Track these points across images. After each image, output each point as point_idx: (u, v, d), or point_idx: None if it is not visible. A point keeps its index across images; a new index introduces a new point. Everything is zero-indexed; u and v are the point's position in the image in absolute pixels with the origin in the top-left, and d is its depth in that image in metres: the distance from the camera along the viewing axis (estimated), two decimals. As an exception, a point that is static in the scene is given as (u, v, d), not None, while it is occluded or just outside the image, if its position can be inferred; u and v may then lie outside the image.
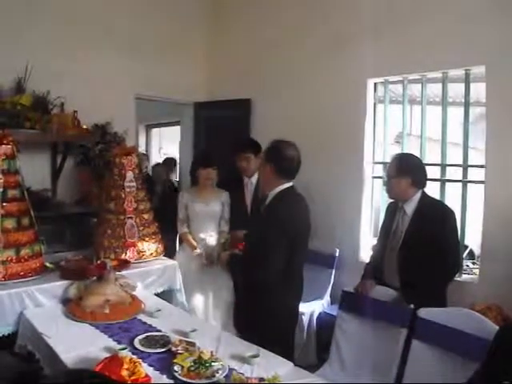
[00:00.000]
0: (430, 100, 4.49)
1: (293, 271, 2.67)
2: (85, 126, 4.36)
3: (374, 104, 4.15)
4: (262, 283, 2.59)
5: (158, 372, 2.04)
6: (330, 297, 4.09)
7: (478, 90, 3.79)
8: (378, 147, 4.21)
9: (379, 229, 3.30)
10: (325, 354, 3.08)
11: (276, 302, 2.61)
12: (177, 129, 6.60)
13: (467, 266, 4.07)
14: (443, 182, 3.72)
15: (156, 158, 8.36)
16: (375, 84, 4.12)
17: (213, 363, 2.04)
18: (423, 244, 2.77)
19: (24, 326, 2.70)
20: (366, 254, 4.00)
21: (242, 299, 2.89)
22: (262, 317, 2.57)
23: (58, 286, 2.96)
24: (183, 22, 5.37)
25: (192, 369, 2.00)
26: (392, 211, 3.05)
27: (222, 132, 5.23)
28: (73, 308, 2.71)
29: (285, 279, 2.60)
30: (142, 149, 7.85)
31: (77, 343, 2.30)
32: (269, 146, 2.70)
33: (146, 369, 1.99)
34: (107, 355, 2.05)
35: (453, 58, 3.48)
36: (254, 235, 2.72)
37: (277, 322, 2.62)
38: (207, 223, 3.85)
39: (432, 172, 3.73)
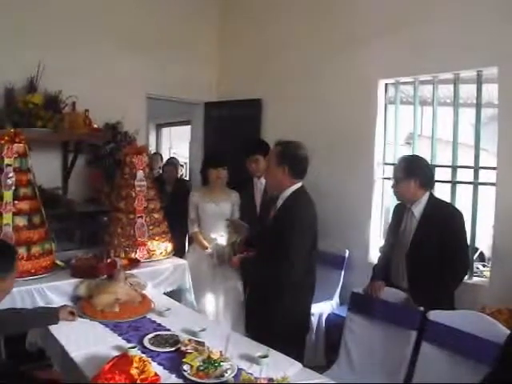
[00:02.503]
0: (442, 101, 4.45)
1: (310, 270, 2.71)
2: (96, 125, 4.39)
3: (385, 105, 4.13)
4: (284, 284, 2.59)
5: (167, 371, 2.04)
6: (339, 298, 4.08)
7: (490, 92, 3.76)
8: (389, 148, 4.19)
9: (386, 230, 3.30)
10: (333, 355, 3.06)
11: (294, 302, 2.64)
12: (187, 128, 6.62)
13: (478, 268, 4.04)
14: (454, 183, 3.70)
15: (166, 157, 8.38)
16: (386, 85, 4.11)
17: (222, 363, 2.03)
18: (432, 246, 2.77)
19: (34, 323, 2.72)
20: (375, 255, 3.97)
21: (256, 300, 2.86)
22: (279, 318, 2.58)
23: (69, 284, 2.99)
24: (194, 21, 5.38)
25: (201, 368, 1.99)
26: (399, 212, 3.04)
27: (232, 132, 5.23)
28: (83, 306, 2.73)
29: (303, 279, 2.63)
30: (152, 148, 7.87)
31: (87, 341, 2.32)
32: (281, 148, 2.70)
33: (155, 368, 1.99)
34: (117, 354, 2.06)
35: (465, 59, 3.46)
36: (269, 236, 2.69)
37: (293, 323, 2.65)
38: (217, 223, 3.85)
39: (443, 174, 3.72)
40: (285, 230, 2.56)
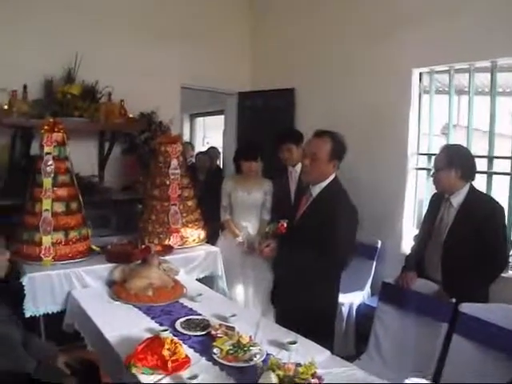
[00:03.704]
0: (479, 90, 4.34)
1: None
2: (131, 115, 4.49)
3: (420, 94, 4.06)
4: (323, 276, 2.58)
5: (197, 354, 2.09)
6: (371, 288, 4.06)
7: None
8: (424, 138, 4.12)
9: (422, 219, 3.24)
10: (363, 345, 3.05)
11: (325, 292, 2.65)
12: (220, 118, 6.67)
13: (514, 261, 3.94)
14: (490, 174, 3.62)
15: (200, 146, 8.48)
16: (420, 74, 4.03)
17: (251, 348, 2.07)
18: (469, 239, 2.69)
19: (71, 305, 2.83)
20: (408, 246, 3.92)
21: (288, 290, 2.73)
22: (310, 307, 2.52)
23: (104, 268, 3.09)
24: (228, 12, 5.42)
25: (231, 352, 2.04)
26: (437, 203, 2.97)
27: (265, 121, 5.25)
28: (118, 290, 2.81)
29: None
30: (186, 137, 7.96)
31: (121, 323, 2.40)
32: (331, 141, 2.59)
33: (186, 350, 2.04)
34: (149, 336, 2.12)
35: (502, 45, 3.35)
36: (306, 226, 2.64)
37: (323, 313, 2.64)
38: (249, 212, 3.89)
39: (479, 164, 3.63)
40: (329, 222, 2.49)
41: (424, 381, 1.72)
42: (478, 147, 3.90)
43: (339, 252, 2.50)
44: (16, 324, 2.26)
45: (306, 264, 2.51)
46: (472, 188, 2.84)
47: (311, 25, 4.84)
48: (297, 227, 2.70)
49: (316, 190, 2.65)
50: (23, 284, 2.77)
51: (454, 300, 2.59)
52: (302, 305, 2.50)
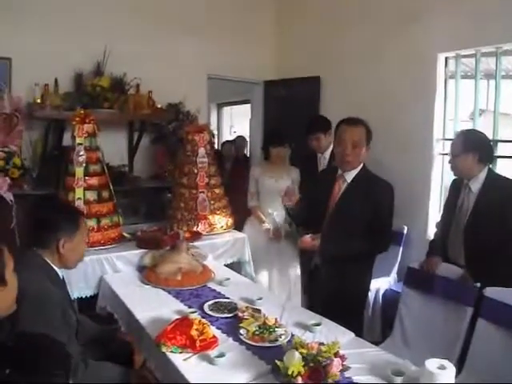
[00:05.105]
0: (510, 74, 4.25)
1: None
2: (159, 106, 4.58)
3: (445, 79, 4.01)
4: (374, 255, 2.77)
5: (224, 334, 2.17)
6: (397, 274, 4.07)
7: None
8: (450, 124, 4.08)
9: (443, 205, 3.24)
10: (389, 331, 3.04)
11: (367, 274, 2.83)
12: (247, 107, 6.71)
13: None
14: (518, 158, 3.57)
15: (227, 135, 8.57)
16: (446, 58, 3.97)
17: (276, 329, 2.14)
18: (490, 223, 2.68)
19: (104, 289, 2.95)
20: (434, 232, 3.92)
21: (330, 276, 2.72)
22: (348, 293, 2.60)
23: (135, 254, 3.20)
24: (252, 1, 5.43)
25: (257, 333, 2.10)
26: (457, 188, 2.96)
27: (291, 110, 5.27)
28: (148, 274, 2.92)
29: None
30: (213, 127, 8.04)
31: (151, 305, 2.49)
32: (365, 128, 2.69)
33: (213, 331, 2.12)
34: (179, 317, 2.20)
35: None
36: (357, 210, 2.66)
37: (360, 296, 2.79)
38: (276, 199, 3.90)
39: (508, 149, 3.58)
40: (380, 205, 2.62)
41: (444, 361, 1.73)
42: (508, 132, 3.84)
43: (389, 233, 2.68)
44: None
45: (355, 248, 2.58)
46: (490, 172, 2.83)
47: (336, 12, 4.82)
48: (336, 212, 2.74)
49: (350, 176, 2.73)
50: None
51: (478, 284, 2.58)
52: (342, 290, 2.56)
